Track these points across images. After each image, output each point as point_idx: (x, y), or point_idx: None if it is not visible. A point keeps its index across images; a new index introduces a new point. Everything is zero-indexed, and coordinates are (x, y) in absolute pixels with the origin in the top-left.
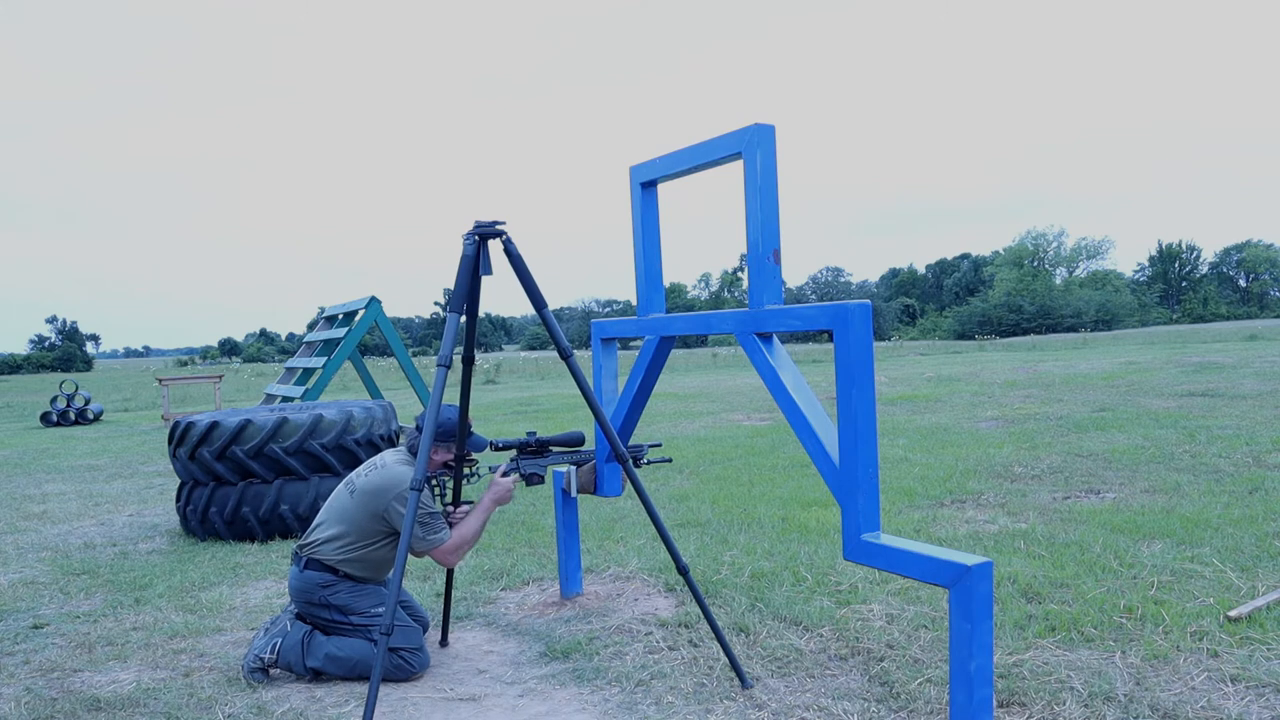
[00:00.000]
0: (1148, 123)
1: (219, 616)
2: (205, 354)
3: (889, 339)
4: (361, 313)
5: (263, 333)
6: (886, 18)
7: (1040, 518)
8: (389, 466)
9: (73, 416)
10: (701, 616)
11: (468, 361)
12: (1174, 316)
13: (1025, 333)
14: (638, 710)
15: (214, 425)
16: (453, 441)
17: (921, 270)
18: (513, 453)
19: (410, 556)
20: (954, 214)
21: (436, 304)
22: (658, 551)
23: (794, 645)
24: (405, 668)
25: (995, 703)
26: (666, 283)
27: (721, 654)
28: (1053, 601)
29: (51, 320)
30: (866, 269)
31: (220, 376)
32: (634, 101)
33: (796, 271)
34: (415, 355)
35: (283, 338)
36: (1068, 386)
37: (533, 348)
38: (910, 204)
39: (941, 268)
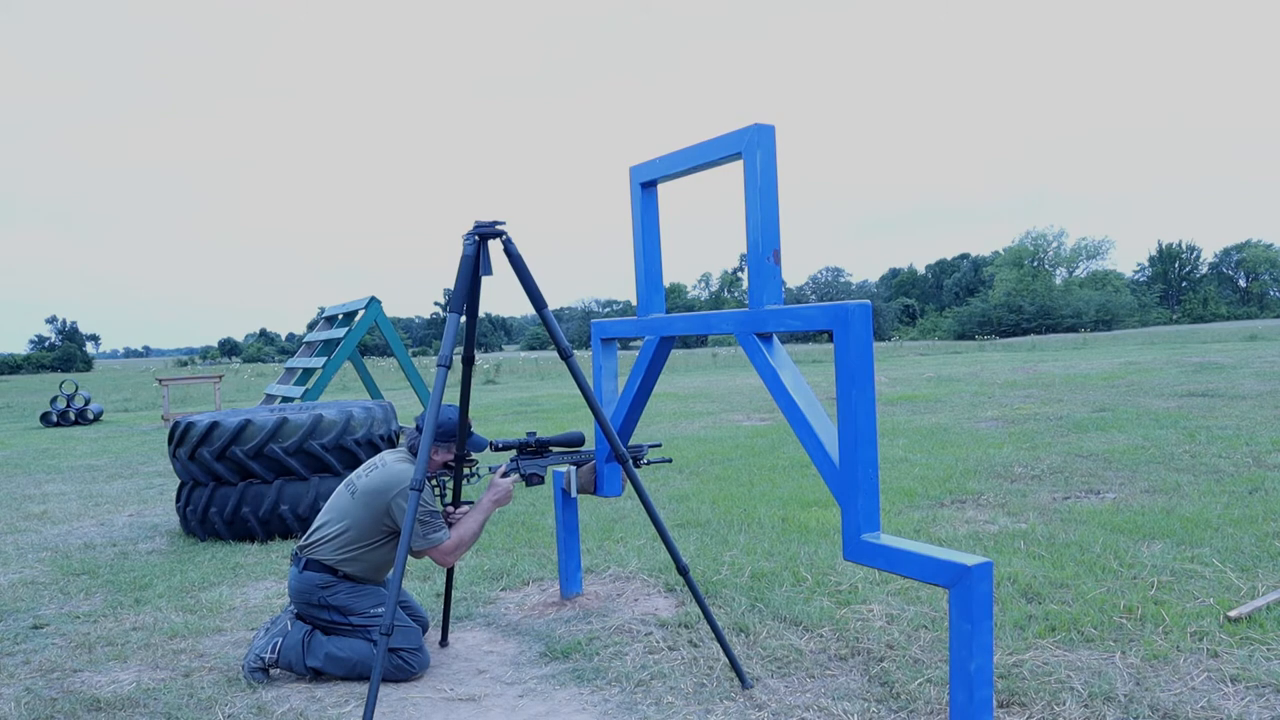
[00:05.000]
0: (1148, 123)
1: (219, 616)
2: (205, 354)
3: (889, 339)
4: (361, 313)
5: (263, 333)
6: (886, 18)
7: (1040, 518)
8: (390, 465)
9: (73, 417)
10: (701, 616)
11: (468, 362)
12: (1174, 316)
13: (1025, 333)
14: (638, 710)
15: (214, 425)
16: (453, 442)
17: (921, 270)
18: (513, 453)
19: (409, 557)
20: (954, 214)
21: (436, 304)
22: (658, 551)
23: (794, 645)
24: (405, 668)
25: (995, 703)
26: (666, 283)
27: (721, 654)
28: (1053, 601)
29: (51, 320)
30: (866, 269)
31: (220, 377)
32: (634, 101)
33: (796, 271)
34: (415, 355)
35: (283, 338)
36: (1068, 386)
37: (533, 348)
38: (910, 204)
39: (941, 268)
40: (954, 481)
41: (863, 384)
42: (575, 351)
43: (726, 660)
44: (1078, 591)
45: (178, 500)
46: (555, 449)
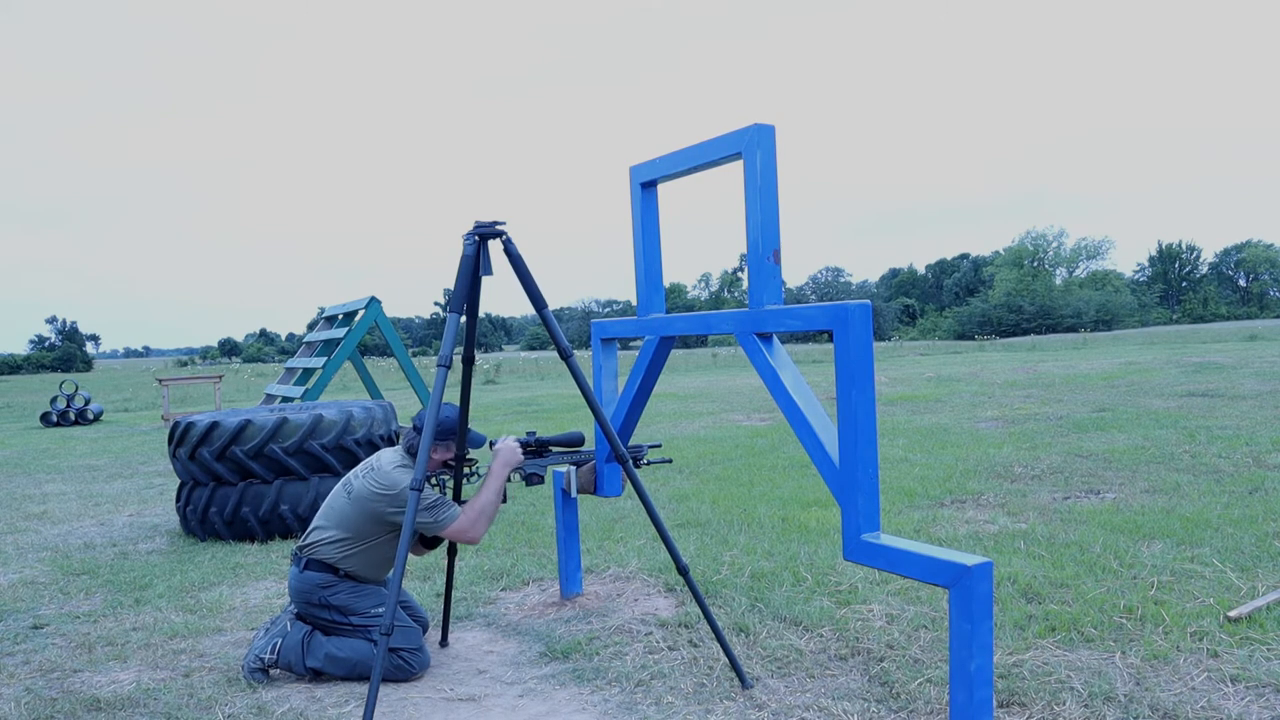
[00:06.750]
0: (1148, 123)
1: (219, 616)
2: (205, 354)
3: (889, 339)
4: (361, 313)
5: (263, 333)
6: (887, 18)
7: (1040, 518)
8: (384, 470)
9: (73, 417)
10: (701, 616)
11: (468, 362)
12: (1174, 317)
13: (1025, 333)
14: (638, 710)
15: (214, 425)
16: (452, 440)
17: (921, 270)
18: None
19: (411, 556)
20: (954, 214)
21: (436, 304)
22: (658, 551)
23: (794, 645)
24: (405, 668)
25: (995, 703)
26: (666, 283)
27: (721, 654)
28: (1053, 601)
29: (51, 320)
30: (866, 269)
31: (220, 377)
32: (634, 101)
33: (796, 271)
34: (415, 355)
35: (283, 338)
36: (1068, 386)
37: (533, 348)
38: (910, 204)
39: (941, 268)
40: (954, 481)
41: (863, 384)
42: (575, 351)
43: (726, 660)
44: (1078, 591)
45: (178, 500)
46: (555, 449)
